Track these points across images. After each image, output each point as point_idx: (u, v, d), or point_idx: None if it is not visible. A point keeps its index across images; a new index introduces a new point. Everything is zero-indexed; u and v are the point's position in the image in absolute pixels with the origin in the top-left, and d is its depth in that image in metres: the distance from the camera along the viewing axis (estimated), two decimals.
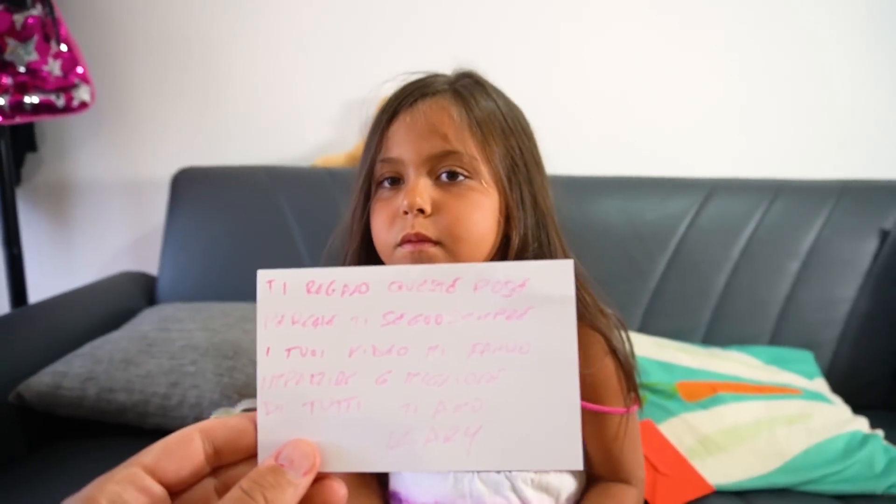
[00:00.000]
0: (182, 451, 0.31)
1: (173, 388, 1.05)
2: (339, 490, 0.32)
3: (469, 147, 0.62)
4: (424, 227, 0.60)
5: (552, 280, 0.32)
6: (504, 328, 0.32)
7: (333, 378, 0.33)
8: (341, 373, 0.33)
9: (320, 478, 0.32)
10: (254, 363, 0.93)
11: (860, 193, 1.35)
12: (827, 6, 1.48)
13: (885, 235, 1.30)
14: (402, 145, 0.62)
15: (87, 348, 1.12)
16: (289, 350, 0.33)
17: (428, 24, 1.57)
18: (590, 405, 0.67)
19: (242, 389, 1.06)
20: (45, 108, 1.39)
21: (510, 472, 0.66)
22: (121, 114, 1.66)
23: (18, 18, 1.31)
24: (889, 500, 0.96)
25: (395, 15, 1.57)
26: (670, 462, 0.98)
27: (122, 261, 1.72)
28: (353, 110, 1.60)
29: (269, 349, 0.34)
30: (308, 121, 1.63)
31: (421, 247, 0.60)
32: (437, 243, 0.60)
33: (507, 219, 0.64)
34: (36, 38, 1.34)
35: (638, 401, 0.71)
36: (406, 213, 0.60)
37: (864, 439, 1.02)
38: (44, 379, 1.04)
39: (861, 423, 1.07)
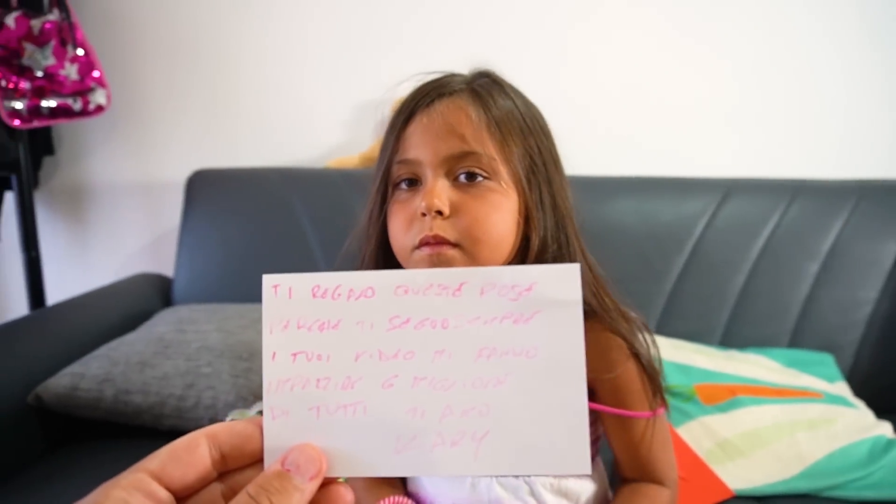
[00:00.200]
0: (188, 456, 0.31)
1: (189, 389, 1.06)
2: (346, 495, 0.31)
3: (487, 147, 0.60)
4: (443, 229, 0.58)
5: (559, 284, 0.32)
6: (511, 332, 0.32)
7: (339, 382, 0.33)
8: (347, 377, 0.33)
9: (327, 482, 0.31)
10: None
11: (880, 194, 1.33)
12: (855, 3, 1.46)
13: None
14: (420, 146, 0.61)
15: (103, 350, 1.13)
16: (295, 355, 0.33)
17: (439, 25, 1.57)
18: (613, 409, 0.66)
19: (258, 391, 1.07)
20: (62, 112, 1.41)
21: (528, 476, 0.65)
22: (136, 117, 1.68)
23: (36, 23, 1.33)
24: None
25: (406, 17, 1.57)
26: (689, 466, 0.97)
27: (138, 262, 1.74)
28: (366, 111, 1.61)
29: (274, 354, 0.34)
30: (320, 123, 1.64)
31: (439, 249, 0.58)
32: (455, 245, 0.59)
33: (526, 220, 0.63)
34: (53, 42, 1.36)
35: (664, 404, 0.70)
36: (424, 214, 0.59)
37: (889, 444, 1.00)
38: (61, 381, 1.05)
39: (885, 428, 1.05)
